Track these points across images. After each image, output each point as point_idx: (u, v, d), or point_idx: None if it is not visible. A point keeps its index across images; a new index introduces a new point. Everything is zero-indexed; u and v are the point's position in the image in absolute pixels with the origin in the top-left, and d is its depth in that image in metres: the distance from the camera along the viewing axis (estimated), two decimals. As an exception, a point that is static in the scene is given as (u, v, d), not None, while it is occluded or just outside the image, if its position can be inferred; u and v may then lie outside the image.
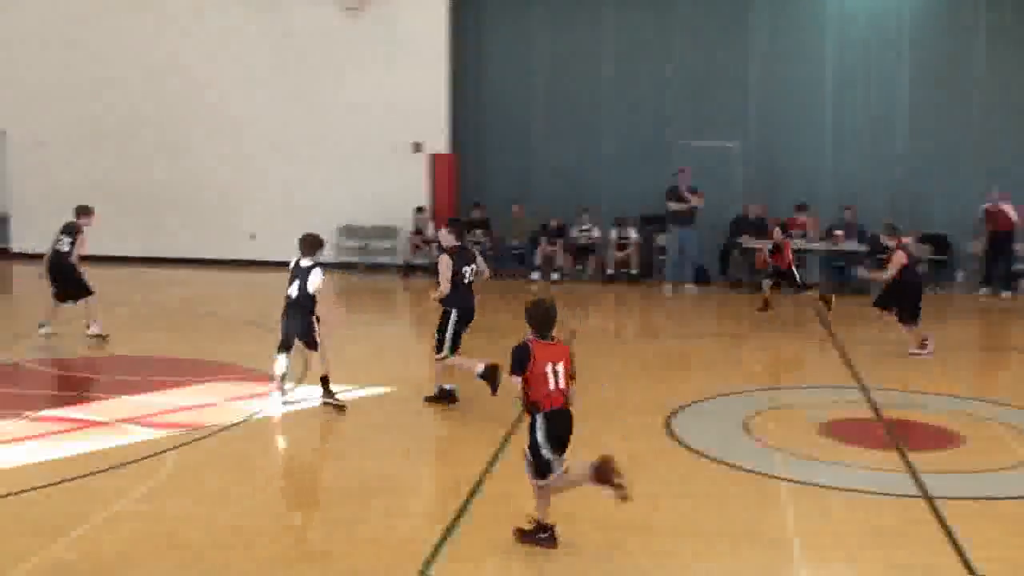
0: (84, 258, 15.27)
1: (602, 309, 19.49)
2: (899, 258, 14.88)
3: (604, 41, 22.69)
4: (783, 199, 21.27)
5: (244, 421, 11.34)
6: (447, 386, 12.11)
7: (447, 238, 12.22)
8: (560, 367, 7.85)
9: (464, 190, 22.95)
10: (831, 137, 22.13)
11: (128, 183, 23.03)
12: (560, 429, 7.89)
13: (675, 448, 10.61)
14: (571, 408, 7.98)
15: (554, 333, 8.02)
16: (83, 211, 15.27)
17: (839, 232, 20.60)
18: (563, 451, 7.91)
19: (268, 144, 22.81)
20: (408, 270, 22.25)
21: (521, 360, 7.77)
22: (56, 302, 15.09)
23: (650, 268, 21.89)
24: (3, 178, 23.63)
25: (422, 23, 22.31)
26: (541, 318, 7.95)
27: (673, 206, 20.57)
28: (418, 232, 22.28)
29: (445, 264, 12.03)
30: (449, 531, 8.30)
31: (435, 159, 22.52)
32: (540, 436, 7.82)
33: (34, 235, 20.69)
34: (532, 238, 22.01)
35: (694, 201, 20.42)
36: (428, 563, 7.71)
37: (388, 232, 22.69)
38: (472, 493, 9.13)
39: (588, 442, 10.76)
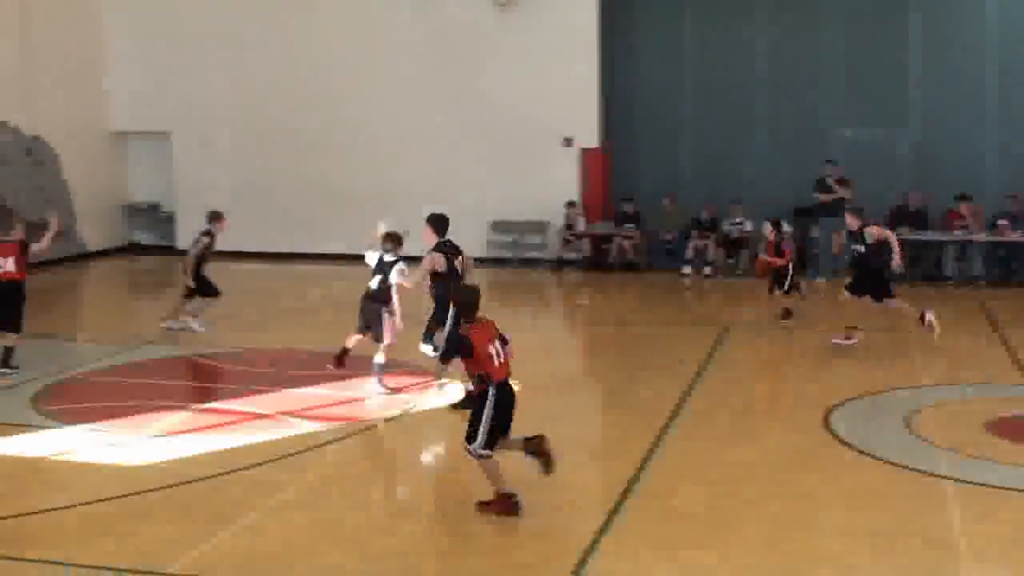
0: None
1: (756, 302, 19.17)
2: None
3: (757, 31, 22.30)
4: (945, 188, 20.62)
5: (401, 415, 11.52)
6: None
7: (429, 236, 12.17)
8: (498, 343, 8.51)
9: (615, 184, 22.86)
10: (996, 124, 21.34)
11: (287, 181, 23.56)
12: (508, 401, 8.53)
13: (835, 445, 10.39)
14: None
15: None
16: (214, 217, 15.78)
17: (1004, 222, 19.85)
18: (508, 423, 8.55)
19: (421, 140, 23.06)
20: (560, 265, 22.26)
21: (467, 348, 8.40)
22: (186, 299, 15.73)
23: (803, 261, 21.41)
24: (169, 178, 24.45)
25: (573, 17, 22.25)
26: (468, 302, 8.72)
27: (820, 197, 20.14)
28: (569, 227, 22.27)
29: (429, 261, 12.03)
30: (605, 527, 8.29)
31: (586, 153, 22.48)
32: (489, 408, 8.37)
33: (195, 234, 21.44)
34: (683, 231, 21.80)
35: (840, 192, 19.93)
36: (584, 558, 7.71)
37: (539, 227, 22.73)
38: (628, 489, 9.10)
39: (750, 435, 10.67)
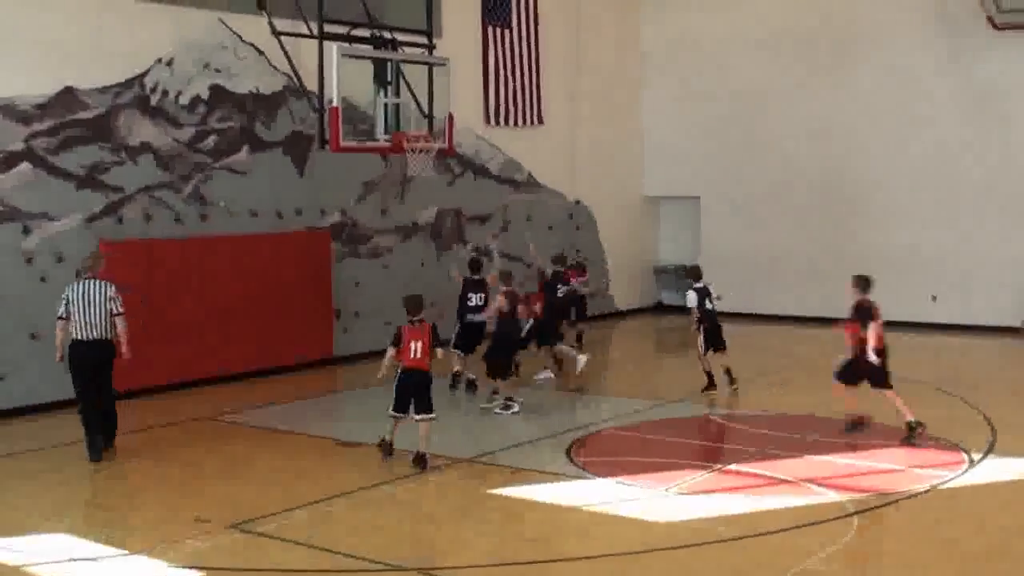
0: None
1: None
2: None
3: None
4: None
5: (931, 489, 10.90)
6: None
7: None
8: (420, 343, 11.63)
9: None
10: None
11: (814, 246, 23.35)
12: (409, 382, 11.73)
13: None
14: (428, 371, 11.79)
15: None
16: (502, 277, 15.50)
17: None
18: (408, 401, 11.77)
19: (952, 202, 21.96)
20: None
21: (396, 337, 11.76)
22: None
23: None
24: (697, 241, 25.01)
25: None
26: (409, 306, 11.81)
27: None
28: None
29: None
30: None
31: None
32: (395, 384, 11.82)
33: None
34: None
35: None
36: None
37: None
38: None
39: None
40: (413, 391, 11.75)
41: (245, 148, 17.54)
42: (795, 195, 23.70)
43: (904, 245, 22.33)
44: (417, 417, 11.77)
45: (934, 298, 22.12)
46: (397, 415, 11.88)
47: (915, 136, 22.34)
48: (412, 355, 11.70)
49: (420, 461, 11.66)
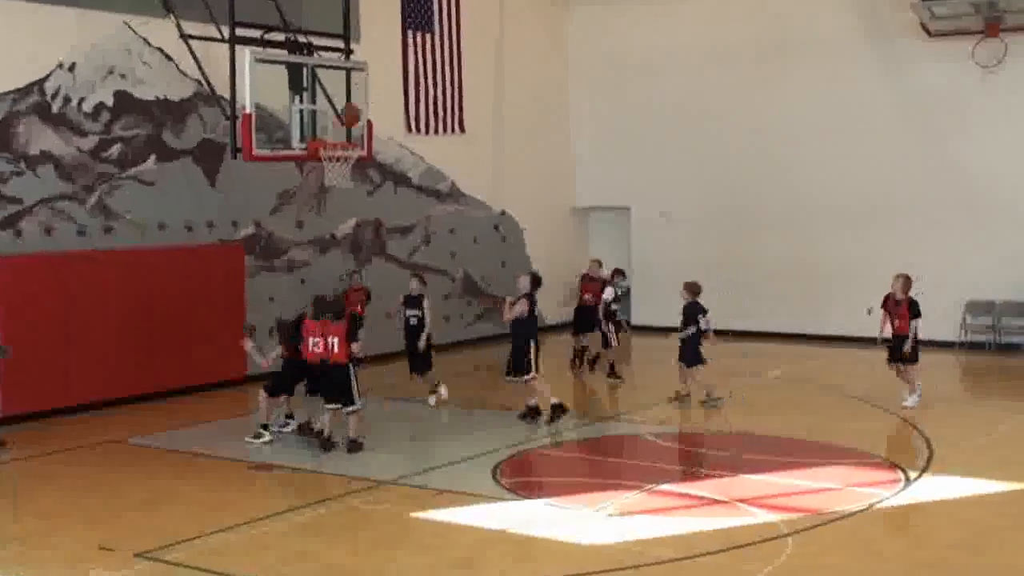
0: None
1: None
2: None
3: None
4: None
5: (868, 508, 11.05)
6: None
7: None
8: (319, 338, 13.36)
9: None
10: None
11: (747, 256, 23.58)
12: (293, 371, 14.13)
13: None
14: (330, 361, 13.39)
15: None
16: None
17: None
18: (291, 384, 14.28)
19: (888, 212, 22.33)
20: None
21: (291, 329, 14.03)
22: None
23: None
24: (627, 253, 25.16)
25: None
26: (316, 304, 13.79)
27: None
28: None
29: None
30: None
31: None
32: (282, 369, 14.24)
33: (654, 308, 21.93)
34: None
35: None
36: None
37: (1022, 309, 21.24)
38: None
39: None
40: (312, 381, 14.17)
41: (152, 157, 17.34)
42: (728, 206, 23.94)
43: (839, 256, 22.64)
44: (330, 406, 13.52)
45: (869, 311, 22.39)
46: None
47: (850, 145, 22.68)
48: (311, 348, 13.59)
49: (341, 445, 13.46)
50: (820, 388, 17.71)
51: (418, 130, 21.84)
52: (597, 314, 18.07)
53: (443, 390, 16.31)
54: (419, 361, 16.29)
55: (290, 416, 14.65)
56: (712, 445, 13.83)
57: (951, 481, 11.91)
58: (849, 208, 22.71)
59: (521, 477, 12.38)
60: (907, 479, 11.98)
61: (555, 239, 25.22)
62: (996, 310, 21.39)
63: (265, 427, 14.16)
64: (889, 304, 16.20)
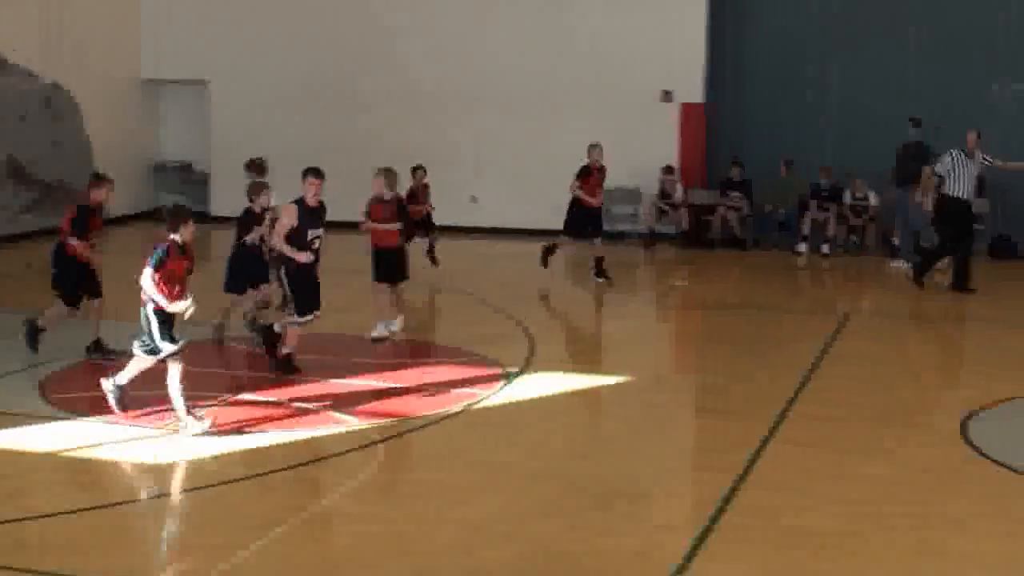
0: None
1: (882, 287, 18.78)
2: None
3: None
4: None
5: (464, 410, 11.39)
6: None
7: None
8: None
9: (720, 147, 22.51)
10: None
11: (338, 140, 23.50)
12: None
13: (978, 461, 10.05)
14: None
15: None
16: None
17: None
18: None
19: (491, 92, 22.90)
20: (652, 239, 21.99)
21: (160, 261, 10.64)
22: None
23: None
24: (206, 135, 24.53)
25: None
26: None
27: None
28: (665, 195, 21.99)
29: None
30: (699, 543, 8.13)
31: (687, 110, 22.13)
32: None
33: (237, 197, 21.50)
34: (800, 203, 21.37)
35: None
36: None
37: (631, 196, 22.49)
38: (725, 501, 8.90)
39: (872, 444, 10.38)
40: None
41: None
42: (329, 85, 23.74)
43: (445, 143, 22.99)
44: None
45: (474, 199, 23.08)
46: None
47: (462, 32, 23.02)
48: None
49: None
50: (419, 283, 18.05)
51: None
52: None
53: None
54: None
55: None
56: (305, 350, 13.77)
57: (550, 378, 12.51)
58: (455, 95, 23.11)
59: (74, 393, 11.88)
60: (508, 377, 12.41)
61: (119, 117, 24.21)
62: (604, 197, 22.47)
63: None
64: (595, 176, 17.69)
